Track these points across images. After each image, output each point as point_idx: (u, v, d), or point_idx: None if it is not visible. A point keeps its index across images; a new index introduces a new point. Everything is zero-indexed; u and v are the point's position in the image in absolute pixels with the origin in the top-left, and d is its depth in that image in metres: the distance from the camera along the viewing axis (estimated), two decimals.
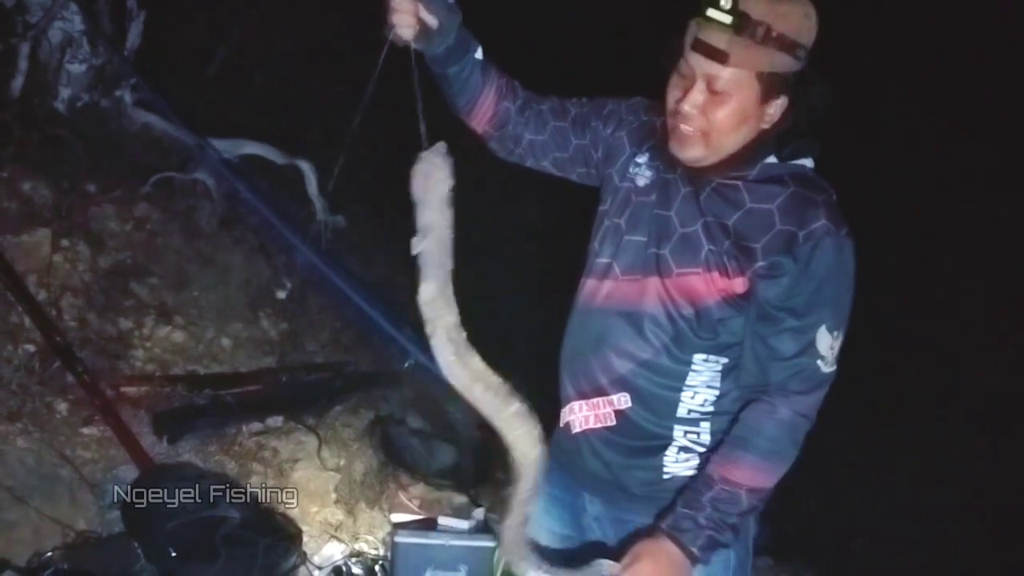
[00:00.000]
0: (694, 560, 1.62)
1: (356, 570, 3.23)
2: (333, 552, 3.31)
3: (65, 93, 4.37)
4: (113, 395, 3.39)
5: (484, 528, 3.18)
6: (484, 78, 1.81)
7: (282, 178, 5.25)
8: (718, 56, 1.53)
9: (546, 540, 1.88)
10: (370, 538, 3.44)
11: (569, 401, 1.80)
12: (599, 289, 1.75)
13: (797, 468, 1.68)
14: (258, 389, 3.95)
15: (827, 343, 1.61)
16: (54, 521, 2.92)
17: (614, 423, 1.73)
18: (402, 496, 3.65)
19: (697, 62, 1.57)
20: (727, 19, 1.51)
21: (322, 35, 6.64)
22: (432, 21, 1.67)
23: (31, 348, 3.41)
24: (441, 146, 1.61)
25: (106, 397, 3.33)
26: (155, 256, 4.21)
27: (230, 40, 5.93)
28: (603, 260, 1.76)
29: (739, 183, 1.64)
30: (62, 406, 3.31)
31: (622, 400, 1.71)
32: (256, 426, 3.68)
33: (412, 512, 3.56)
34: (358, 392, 4.33)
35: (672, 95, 1.63)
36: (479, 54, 1.79)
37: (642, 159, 1.77)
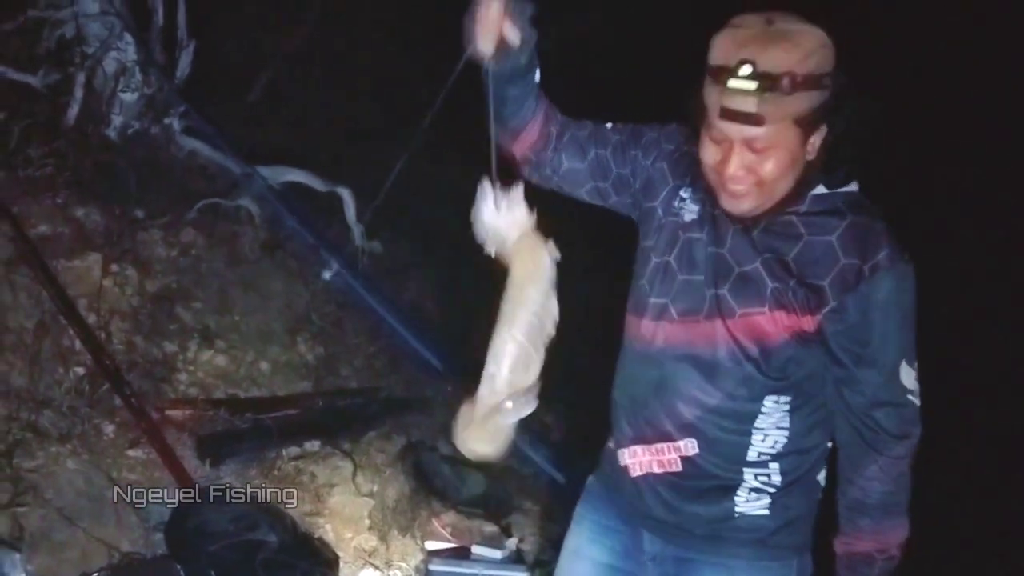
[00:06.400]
0: None
1: None
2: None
3: (117, 121, 4.51)
4: (158, 418, 3.49)
5: (517, 558, 3.25)
6: (538, 102, 1.77)
7: (322, 204, 5.37)
8: (752, 120, 1.48)
9: (589, 570, 1.86)
10: (403, 565, 3.51)
11: (628, 445, 1.75)
12: (656, 332, 1.70)
13: None
14: (296, 413, 4.05)
15: (910, 376, 1.58)
16: (100, 542, 3.02)
17: (680, 469, 1.69)
18: (435, 523, 3.72)
19: (730, 129, 1.52)
20: (752, 85, 1.46)
21: (362, 62, 6.79)
22: (514, 38, 1.62)
23: (81, 371, 3.52)
24: (519, 189, 1.59)
25: (152, 420, 3.43)
26: (199, 281, 4.33)
27: (272, 67, 6.08)
28: (657, 300, 1.70)
29: (792, 217, 1.59)
30: (109, 428, 3.42)
31: (689, 446, 1.67)
32: (294, 450, 3.77)
33: (445, 540, 3.63)
34: (391, 417, 4.42)
35: (709, 156, 1.58)
36: (537, 76, 1.75)
37: (686, 193, 1.72)
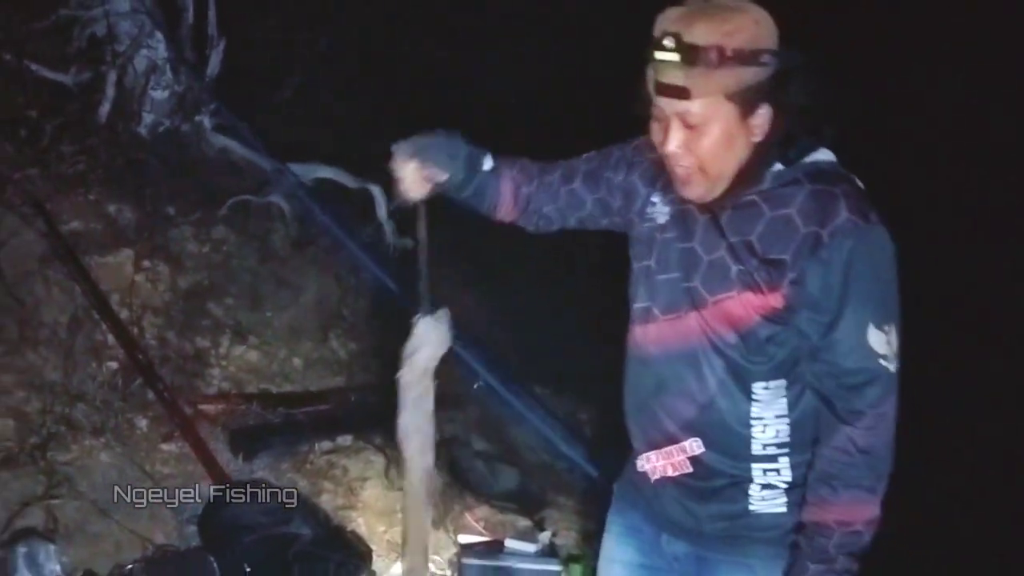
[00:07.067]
0: None
1: None
2: (401, 573, 3.36)
3: (148, 118, 4.54)
4: (191, 412, 3.50)
5: (550, 552, 3.21)
6: (499, 181, 1.87)
7: (353, 201, 5.36)
8: (681, 93, 1.51)
9: (620, 572, 1.87)
10: (436, 558, 3.48)
11: (642, 452, 1.78)
12: (646, 335, 1.73)
13: None
14: (328, 408, 4.04)
15: (880, 340, 1.53)
16: (134, 534, 3.02)
17: (691, 470, 1.69)
18: (468, 517, 3.69)
19: (664, 103, 1.55)
20: (676, 57, 1.48)
21: (389, 61, 6.79)
22: (440, 176, 1.76)
23: (114, 365, 3.54)
24: (444, 314, 1.78)
25: (185, 414, 3.44)
26: (231, 277, 4.34)
27: (303, 65, 6.08)
28: (642, 305, 1.74)
29: (755, 197, 1.59)
30: (143, 422, 3.43)
31: (694, 445, 1.68)
32: (326, 444, 3.76)
33: (478, 534, 3.60)
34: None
35: (656, 140, 1.62)
36: (488, 164, 1.85)
37: (657, 197, 1.75)
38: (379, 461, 3.76)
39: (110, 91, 4.35)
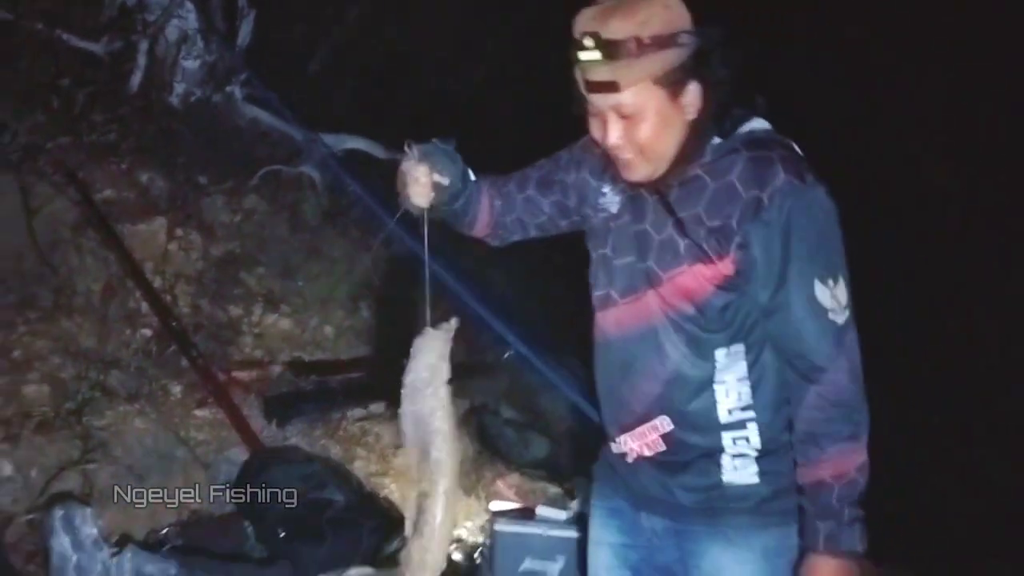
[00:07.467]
0: (860, 555, 1.61)
1: (456, 556, 3.28)
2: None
3: (179, 88, 4.54)
4: (225, 379, 3.51)
5: (581, 519, 3.20)
6: (479, 193, 1.88)
7: (383, 172, 5.34)
8: (610, 88, 1.56)
9: (606, 555, 1.88)
10: (468, 524, 3.48)
11: (615, 436, 1.80)
12: (607, 320, 1.77)
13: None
14: (360, 376, 4.04)
15: (826, 295, 1.58)
16: (169, 499, 3.04)
17: (664, 447, 1.72)
18: (499, 484, 3.69)
19: (597, 100, 1.60)
20: (597, 55, 1.54)
21: (420, 31, 6.75)
22: (445, 181, 1.75)
23: (148, 333, 3.56)
24: (451, 326, 1.69)
25: (218, 381, 3.45)
26: (263, 246, 4.35)
27: (333, 37, 6.06)
28: (601, 292, 1.78)
29: (699, 171, 1.64)
30: (176, 389, 3.45)
31: (664, 423, 1.70)
32: (359, 412, 3.77)
33: (509, 500, 3.59)
34: (454, 381, 4.38)
35: (597, 135, 1.66)
36: (472, 174, 1.85)
37: (607, 188, 1.79)
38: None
39: (141, 60, 4.35)
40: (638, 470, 1.78)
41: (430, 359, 1.67)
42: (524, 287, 5.21)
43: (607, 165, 1.76)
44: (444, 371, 1.67)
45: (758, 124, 1.67)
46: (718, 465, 1.69)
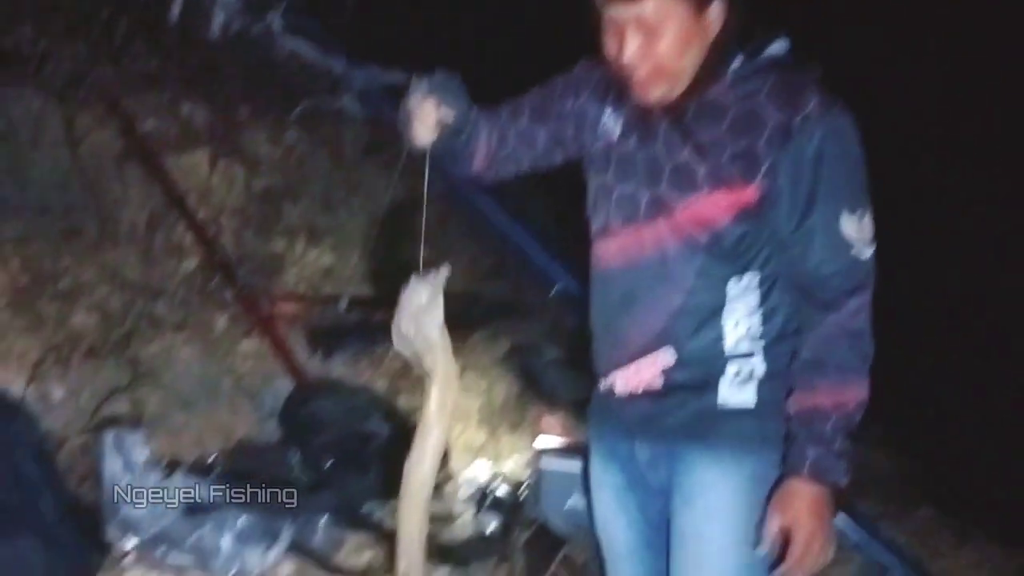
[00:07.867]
0: (840, 489, 1.58)
1: (501, 492, 3.27)
2: (478, 473, 3.36)
3: (219, 18, 4.47)
4: (270, 311, 3.49)
5: None
6: (478, 127, 1.74)
7: None
8: None
9: (609, 495, 1.84)
10: (513, 459, 3.47)
11: (612, 370, 1.73)
12: (608, 250, 1.71)
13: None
14: None
15: (853, 225, 1.55)
16: (216, 427, 3.05)
17: (660, 386, 1.67)
18: (545, 420, 3.66)
19: (618, 11, 1.54)
20: None
21: None
22: (450, 118, 1.64)
23: (192, 264, 3.54)
24: (444, 271, 1.63)
25: (263, 312, 3.44)
26: (304, 180, 4.30)
27: None
28: (600, 222, 1.72)
29: (718, 94, 1.59)
30: (221, 320, 3.44)
31: (667, 355, 1.65)
32: None
33: (556, 436, 3.57)
34: (496, 320, 4.35)
35: (610, 49, 1.59)
36: (474, 111, 1.72)
37: (608, 113, 1.72)
38: (458, 363, 3.74)
39: None
40: (627, 404, 1.73)
41: (413, 310, 1.60)
42: (566, 226, 5.15)
43: (609, 88, 1.72)
44: (435, 316, 1.61)
45: (783, 46, 1.62)
46: (715, 389, 1.65)
